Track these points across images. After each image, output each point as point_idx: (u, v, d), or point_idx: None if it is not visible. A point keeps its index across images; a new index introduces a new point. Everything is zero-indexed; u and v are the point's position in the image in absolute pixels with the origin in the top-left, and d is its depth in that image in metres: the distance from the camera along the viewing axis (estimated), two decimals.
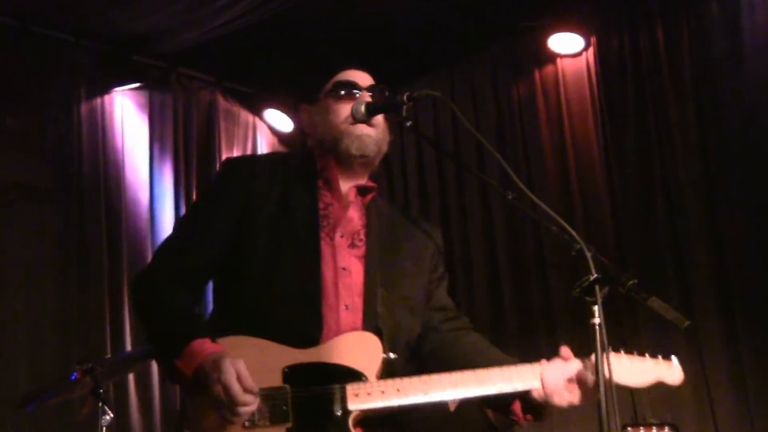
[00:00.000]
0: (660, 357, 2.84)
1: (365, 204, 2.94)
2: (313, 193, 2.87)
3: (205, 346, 2.54)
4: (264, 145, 7.71)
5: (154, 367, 6.18)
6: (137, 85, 6.90)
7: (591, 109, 6.66)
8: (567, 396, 2.71)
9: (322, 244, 2.78)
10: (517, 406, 2.82)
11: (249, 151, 7.56)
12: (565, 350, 2.76)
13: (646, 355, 2.81)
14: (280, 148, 7.80)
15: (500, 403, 2.82)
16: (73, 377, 4.41)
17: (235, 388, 2.44)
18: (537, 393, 2.72)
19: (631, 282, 2.43)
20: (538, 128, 6.91)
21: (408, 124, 2.87)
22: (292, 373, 2.59)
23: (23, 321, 5.83)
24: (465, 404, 5.23)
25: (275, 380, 2.58)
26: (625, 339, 5.66)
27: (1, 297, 5.81)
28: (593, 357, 2.64)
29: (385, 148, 2.96)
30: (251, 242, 2.74)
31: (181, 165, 7.01)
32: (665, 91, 6.28)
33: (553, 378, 2.71)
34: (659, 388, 5.68)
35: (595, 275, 2.42)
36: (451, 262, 7.30)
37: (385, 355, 2.68)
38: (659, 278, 6.01)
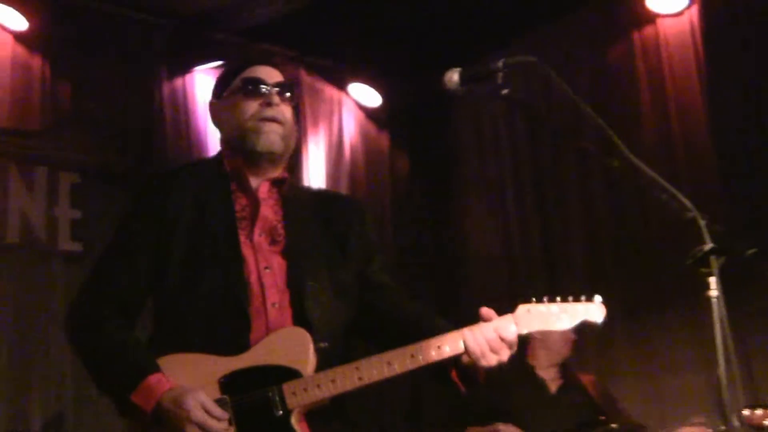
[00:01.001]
0: (583, 298, 2.91)
1: (282, 196, 3.02)
2: (227, 197, 2.96)
3: (161, 381, 2.69)
4: (351, 121, 7.72)
5: None
6: (217, 63, 6.93)
7: (696, 73, 6.50)
8: (493, 357, 2.79)
9: (243, 247, 2.88)
10: (454, 375, 2.89)
11: (335, 128, 7.58)
12: (486, 311, 2.83)
13: (570, 298, 2.88)
14: (367, 124, 7.83)
15: (441, 373, 2.90)
16: None
17: (210, 423, 2.62)
18: (465, 358, 2.82)
19: (751, 251, 2.39)
20: (638, 95, 6.77)
21: (504, 92, 2.86)
22: (228, 383, 2.74)
23: None
24: (567, 386, 5.23)
25: (214, 392, 2.72)
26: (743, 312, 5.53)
27: None
28: (517, 310, 2.84)
29: (293, 143, 3.05)
30: (172, 260, 2.86)
31: None
32: None
33: (476, 341, 2.78)
34: None
35: (711, 245, 2.38)
36: (547, 241, 7.25)
37: (315, 346, 2.79)
38: None
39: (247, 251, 2.88)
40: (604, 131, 2.63)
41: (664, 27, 6.70)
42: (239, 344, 2.77)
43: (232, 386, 2.73)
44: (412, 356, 2.76)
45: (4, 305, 5.80)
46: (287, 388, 2.72)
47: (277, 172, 3.04)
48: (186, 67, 6.82)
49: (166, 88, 6.64)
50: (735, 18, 6.33)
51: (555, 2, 6.95)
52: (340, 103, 7.70)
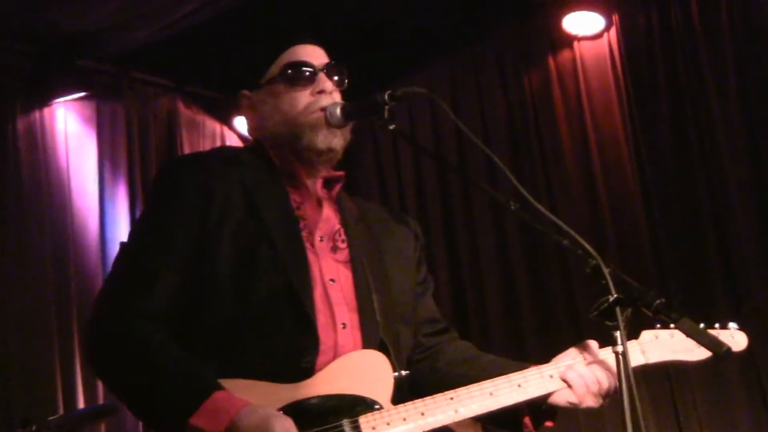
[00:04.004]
0: (717, 326, 2.87)
1: (334, 198, 2.90)
2: (281, 191, 2.80)
3: (232, 398, 2.42)
4: None
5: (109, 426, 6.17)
6: (82, 94, 6.84)
7: (616, 99, 6.66)
8: (600, 400, 2.72)
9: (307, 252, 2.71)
10: (528, 421, 2.78)
11: None
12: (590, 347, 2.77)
13: (701, 325, 2.74)
14: None
15: (509, 417, 2.77)
16: None
17: None
18: (561, 396, 2.72)
19: (657, 302, 2.40)
20: (556, 123, 6.90)
21: (391, 127, 2.80)
22: (292, 413, 2.46)
23: None
24: None
25: None
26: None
27: None
28: (642, 336, 2.77)
29: (349, 135, 2.89)
30: (219, 256, 2.62)
31: (138, 186, 6.96)
32: (703, 76, 6.27)
33: (584, 377, 2.71)
34: (708, 402, 5.70)
35: (615, 295, 2.40)
36: (460, 282, 7.27)
37: (396, 374, 2.63)
38: (706, 291, 6.00)
39: (310, 257, 2.69)
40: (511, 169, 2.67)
41: (581, 50, 6.87)
42: (303, 369, 2.56)
43: (296, 418, 2.43)
44: (519, 386, 2.63)
45: None
46: (365, 421, 2.51)
47: (328, 171, 2.88)
48: (46, 99, 6.71)
49: (21, 123, 6.52)
50: (656, 39, 6.51)
51: (464, 22, 7.04)
52: (222, 138, 7.68)
